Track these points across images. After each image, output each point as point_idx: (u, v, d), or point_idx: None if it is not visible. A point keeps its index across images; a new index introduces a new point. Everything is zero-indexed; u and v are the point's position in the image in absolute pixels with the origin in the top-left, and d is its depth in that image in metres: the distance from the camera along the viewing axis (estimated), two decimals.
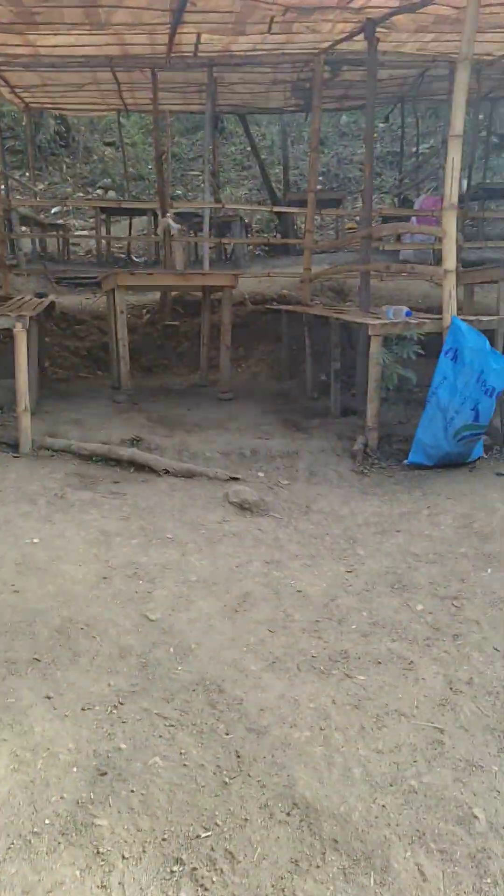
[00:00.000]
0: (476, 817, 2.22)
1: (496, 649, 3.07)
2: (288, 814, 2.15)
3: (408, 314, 4.97)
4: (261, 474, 4.89)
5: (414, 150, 15.15)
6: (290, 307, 7.06)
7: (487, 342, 4.59)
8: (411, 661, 2.93)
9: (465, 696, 2.76)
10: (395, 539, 4.00)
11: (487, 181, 12.65)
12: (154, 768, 2.26)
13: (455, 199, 4.66)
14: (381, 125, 18.45)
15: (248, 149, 16.73)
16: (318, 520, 4.23)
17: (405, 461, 4.93)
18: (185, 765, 2.30)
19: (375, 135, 18.95)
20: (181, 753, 2.34)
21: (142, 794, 2.16)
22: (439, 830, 2.15)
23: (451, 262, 4.71)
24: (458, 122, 4.58)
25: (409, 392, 5.30)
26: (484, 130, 17.79)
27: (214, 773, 2.27)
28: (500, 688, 2.83)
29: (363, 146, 19.83)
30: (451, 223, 4.68)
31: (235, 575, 3.52)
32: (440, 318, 4.88)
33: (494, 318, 5.24)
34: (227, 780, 2.25)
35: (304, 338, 6.85)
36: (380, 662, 2.92)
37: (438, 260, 9.83)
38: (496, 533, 4.04)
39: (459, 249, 4.82)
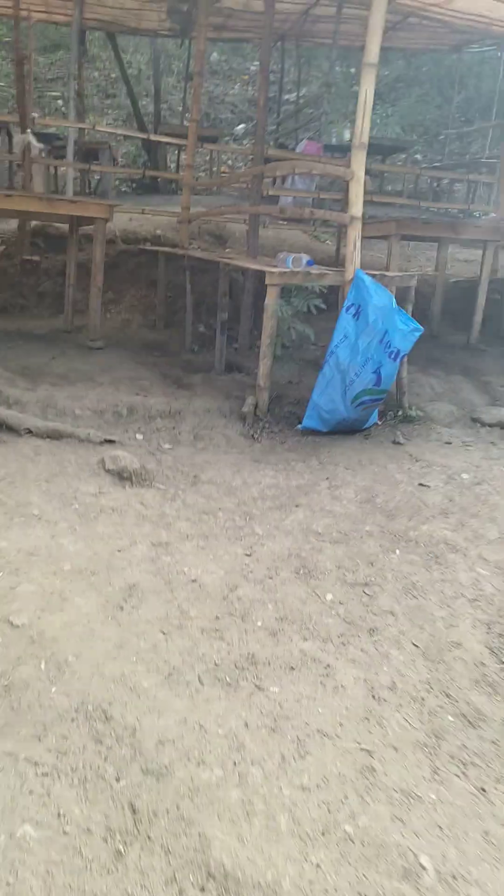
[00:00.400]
0: (423, 867, 1.87)
1: (415, 645, 2.75)
2: (202, 888, 1.69)
3: (309, 263, 4.50)
4: (139, 436, 4.31)
5: (292, 96, 14.61)
6: (169, 249, 6.39)
7: (393, 299, 4.22)
8: (328, 665, 2.54)
9: (389, 705, 2.42)
10: (294, 515, 3.59)
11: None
12: (24, 842, 1.72)
13: (366, 138, 4.21)
14: (254, 66, 17.71)
15: (114, 75, 15.47)
16: (208, 492, 3.74)
17: (298, 426, 4.53)
18: (65, 831, 1.77)
19: (245, 76, 18.14)
20: (60, 815, 1.81)
21: (8, 884, 1.61)
22: (384, 891, 1.78)
23: (357, 207, 4.28)
24: (373, 48, 4.10)
25: (303, 349, 4.87)
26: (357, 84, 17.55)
27: (105, 840, 1.76)
28: (423, 692, 2.51)
29: (235, 86, 18.90)
30: (359, 164, 4.22)
31: (118, 561, 2.96)
32: (342, 270, 4.46)
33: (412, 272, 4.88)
34: (121, 847, 1.75)
35: (184, 284, 6.24)
36: (293, 668, 2.50)
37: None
38: (401, 509, 3.74)
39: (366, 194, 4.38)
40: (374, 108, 13.85)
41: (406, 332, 4.17)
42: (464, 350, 6.41)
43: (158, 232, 7.71)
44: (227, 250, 7.85)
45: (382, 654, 2.66)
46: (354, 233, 4.30)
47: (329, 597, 2.96)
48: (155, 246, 7.01)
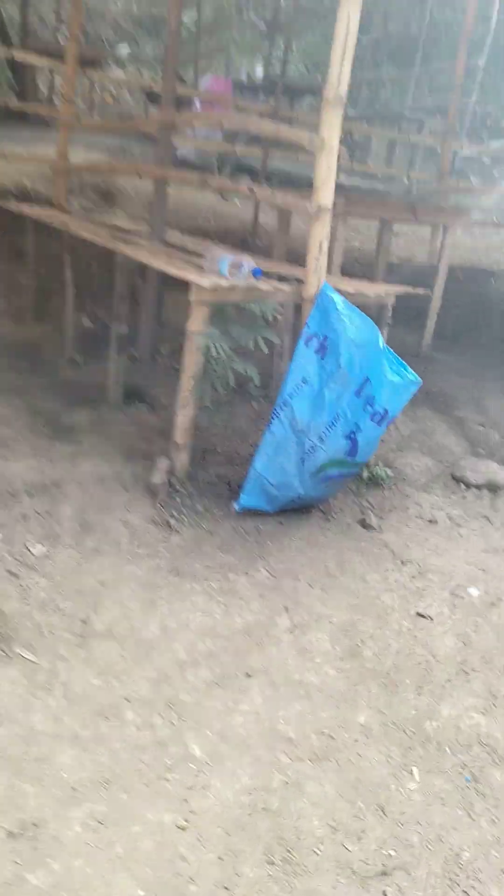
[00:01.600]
0: None
1: None
2: None
3: (256, 273, 3.06)
4: None
5: (186, 16, 12.65)
6: (41, 213, 4.69)
7: (379, 334, 2.88)
8: None
9: None
10: (249, 699, 2.26)
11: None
12: None
13: (344, 88, 2.77)
14: None
15: None
16: (106, 659, 2.32)
17: (234, 504, 3.15)
18: None
19: None
20: None
21: None
22: None
23: (327, 192, 2.86)
24: None
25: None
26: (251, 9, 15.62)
27: None
28: None
29: (117, 0, 16.52)
30: (333, 128, 2.78)
31: None
32: (301, 283, 3.06)
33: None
34: None
35: (62, 263, 4.62)
36: None
37: (221, 163, 7.88)
38: (402, 670, 2.49)
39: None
40: (272, 42, 11.76)
41: (399, 385, 2.85)
42: (417, 360, 5.18)
43: (27, 182, 5.93)
44: (115, 210, 6.20)
45: None
46: (322, 230, 2.89)
47: None
48: (23, 204, 5.27)
